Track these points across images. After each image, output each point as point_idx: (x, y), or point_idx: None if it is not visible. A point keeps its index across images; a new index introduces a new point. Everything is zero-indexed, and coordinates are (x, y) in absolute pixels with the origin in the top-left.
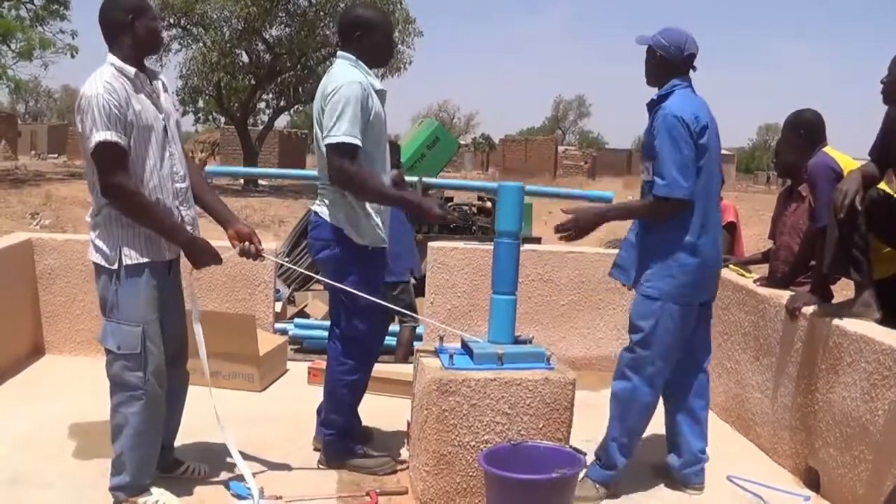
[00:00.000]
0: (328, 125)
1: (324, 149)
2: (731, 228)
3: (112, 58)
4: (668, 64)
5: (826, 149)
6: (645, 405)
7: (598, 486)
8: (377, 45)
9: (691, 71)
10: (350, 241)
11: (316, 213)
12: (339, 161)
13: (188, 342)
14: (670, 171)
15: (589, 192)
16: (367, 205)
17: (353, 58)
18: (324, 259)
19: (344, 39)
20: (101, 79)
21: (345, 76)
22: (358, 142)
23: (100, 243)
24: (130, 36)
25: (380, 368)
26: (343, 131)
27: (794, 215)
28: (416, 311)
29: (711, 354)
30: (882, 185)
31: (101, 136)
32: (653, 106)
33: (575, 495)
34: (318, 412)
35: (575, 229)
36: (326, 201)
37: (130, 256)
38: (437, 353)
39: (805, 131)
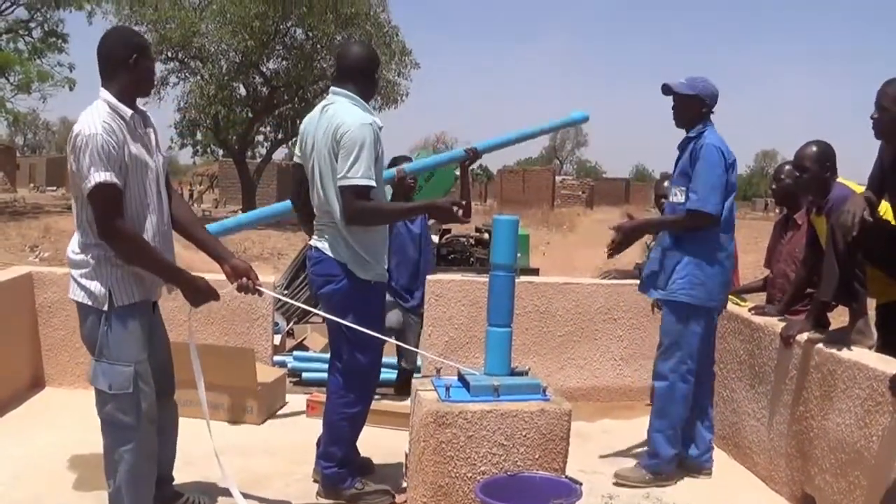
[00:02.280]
0: (344, 167)
1: (334, 189)
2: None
3: (105, 94)
4: (706, 110)
5: (840, 179)
6: (682, 398)
7: (646, 472)
8: (377, 81)
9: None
10: (353, 275)
11: (317, 248)
12: (356, 202)
13: (174, 375)
14: (704, 189)
15: (563, 119)
16: (366, 241)
17: (354, 95)
18: (327, 293)
19: (353, 76)
20: (98, 118)
21: (355, 117)
22: (373, 183)
23: (87, 283)
24: (129, 74)
25: (378, 401)
26: (360, 173)
27: (791, 243)
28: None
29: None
30: (883, 206)
31: (100, 177)
32: (687, 143)
33: (627, 476)
34: (318, 444)
35: (623, 240)
36: (330, 237)
37: (121, 298)
38: (433, 385)
39: (830, 164)
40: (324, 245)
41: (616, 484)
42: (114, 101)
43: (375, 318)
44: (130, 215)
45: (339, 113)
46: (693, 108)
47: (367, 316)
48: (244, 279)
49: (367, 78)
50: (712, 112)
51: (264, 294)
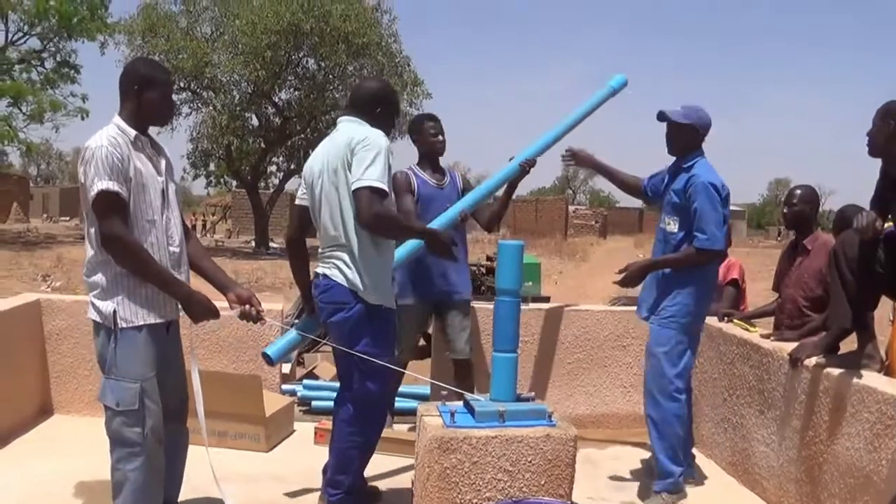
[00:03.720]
0: (359, 170)
1: (349, 198)
2: (735, 284)
3: (116, 118)
4: (699, 139)
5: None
6: (676, 418)
7: (663, 495)
8: (390, 121)
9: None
10: (364, 301)
11: (325, 275)
12: (373, 203)
13: (188, 399)
14: (711, 228)
15: (603, 91)
16: (375, 266)
17: (361, 121)
18: (338, 322)
19: (360, 108)
20: (105, 134)
21: (368, 129)
22: (387, 188)
23: (98, 302)
24: (134, 105)
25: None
26: (376, 176)
27: (800, 269)
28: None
29: None
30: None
31: (102, 184)
32: (678, 171)
33: None
34: (324, 471)
35: (628, 280)
36: (339, 263)
37: (127, 318)
38: (438, 411)
39: (816, 204)
40: (333, 272)
41: None
42: (122, 124)
43: (387, 344)
44: (136, 229)
45: (349, 131)
46: (686, 136)
47: (379, 342)
48: (247, 306)
49: (373, 112)
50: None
51: (266, 322)
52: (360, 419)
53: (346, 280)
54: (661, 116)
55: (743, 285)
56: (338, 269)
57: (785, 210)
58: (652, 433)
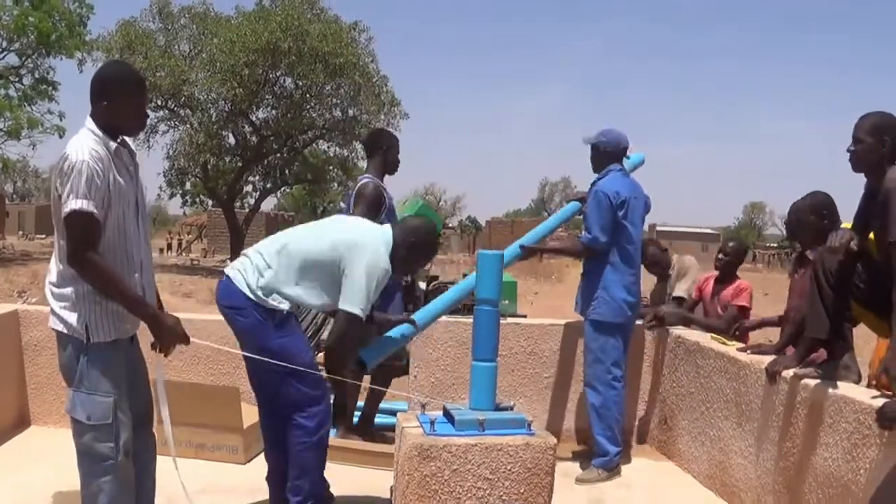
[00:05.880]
0: (352, 294)
1: (323, 277)
2: (742, 308)
3: (90, 122)
4: (610, 156)
5: (844, 225)
6: (613, 403)
7: (599, 470)
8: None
9: (625, 159)
10: (262, 308)
11: (228, 276)
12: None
13: (153, 408)
14: (594, 230)
15: (563, 211)
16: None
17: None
18: (245, 328)
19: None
20: (86, 145)
21: (381, 255)
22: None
23: (66, 315)
24: (104, 113)
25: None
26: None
27: (802, 280)
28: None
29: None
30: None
31: (77, 203)
32: (592, 185)
33: (586, 479)
34: (267, 480)
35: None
36: (241, 268)
37: (98, 335)
38: (418, 420)
39: (828, 213)
40: (235, 274)
41: (578, 483)
42: (97, 130)
43: (299, 344)
44: (109, 244)
45: (362, 233)
46: (598, 154)
47: (291, 344)
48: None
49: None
50: (626, 157)
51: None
52: (304, 419)
53: (245, 285)
54: (585, 141)
55: (748, 312)
56: (240, 273)
57: (786, 221)
58: (593, 418)
